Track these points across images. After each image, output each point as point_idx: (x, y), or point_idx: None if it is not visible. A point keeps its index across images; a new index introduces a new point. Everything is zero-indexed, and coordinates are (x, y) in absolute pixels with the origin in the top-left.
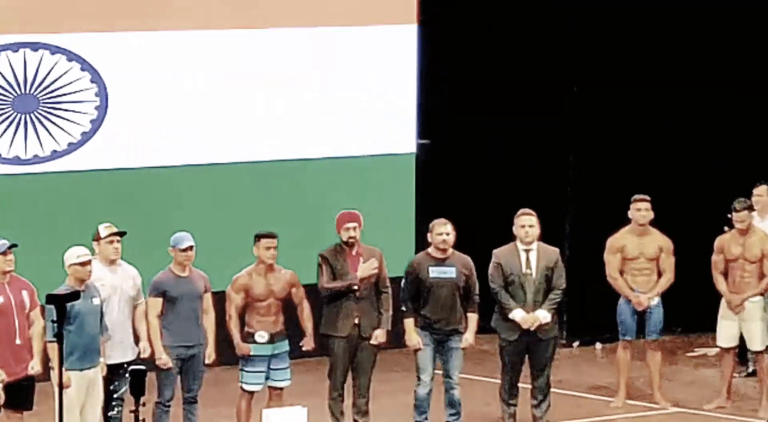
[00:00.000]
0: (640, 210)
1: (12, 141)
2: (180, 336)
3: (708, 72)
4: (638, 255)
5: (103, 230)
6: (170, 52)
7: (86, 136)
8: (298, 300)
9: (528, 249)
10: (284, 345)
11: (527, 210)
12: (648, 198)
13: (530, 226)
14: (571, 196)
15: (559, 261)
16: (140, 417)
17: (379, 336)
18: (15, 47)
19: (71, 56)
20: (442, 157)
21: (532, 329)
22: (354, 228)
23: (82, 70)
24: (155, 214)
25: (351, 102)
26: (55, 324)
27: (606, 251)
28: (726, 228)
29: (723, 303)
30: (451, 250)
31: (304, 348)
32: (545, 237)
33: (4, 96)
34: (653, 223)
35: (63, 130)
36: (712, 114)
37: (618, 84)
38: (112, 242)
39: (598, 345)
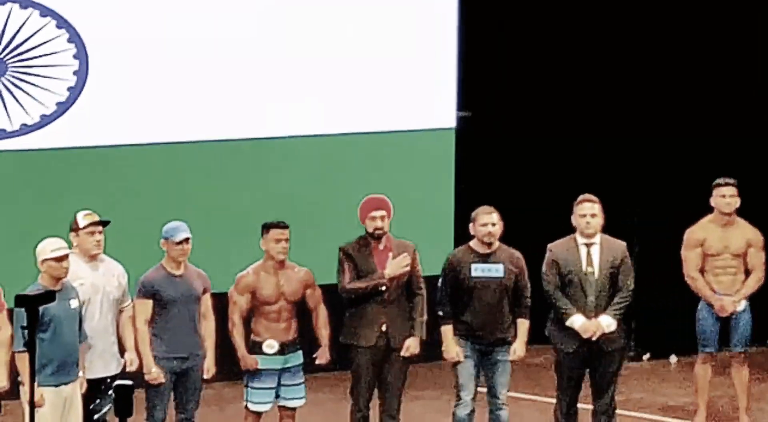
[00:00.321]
0: (725, 196)
1: None
2: (174, 346)
3: None
4: (722, 251)
5: (83, 219)
6: (161, 9)
7: (62, 107)
8: (314, 303)
9: (589, 244)
10: (297, 358)
11: (589, 196)
12: (734, 182)
13: (592, 216)
14: (641, 179)
15: (626, 258)
16: None
17: (410, 346)
18: None
19: (45, 11)
20: (486, 132)
21: (594, 338)
22: (382, 218)
23: (59, 27)
24: (144, 201)
25: (378, 70)
26: (26, 331)
27: (683, 246)
28: None
29: None
30: (497, 244)
31: (317, 362)
32: (610, 229)
33: None
34: (740, 213)
35: (35, 99)
36: None
37: (695, 56)
38: (93, 233)
39: (673, 359)
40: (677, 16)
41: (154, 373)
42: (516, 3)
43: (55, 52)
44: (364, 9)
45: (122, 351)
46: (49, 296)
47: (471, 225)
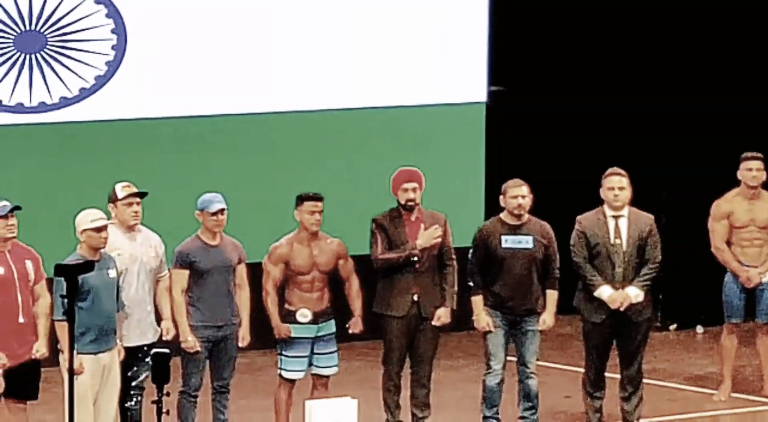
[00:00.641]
0: (751, 170)
1: (14, 86)
2: (209, 315)
3: None
4: (748, 223)
5: (121, 190)
6: None
7: (101, 81)
8: (347, 274)
9: (617, 216)
10: (330, 327)
11: (617, 169)
12: (760, 155)
13: (620, 188)
14: (669, 153)
15: (654, 230)
16: (163, 409)
17: (442, 316)
18: None
19: None
20: (517, 106)
21: (622, 309)
22: (413, 190)
23: (97, 2)
24: (181, 172)
25: (408, 43)
26: (65, 300)
27: (710, 218)
28: None
29: None
30: (527, 216)
31: (351, 331)
32: (638, 201)
33: (6, 33)
34: (766, 186)
35: (74, 73)
36: None
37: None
38: (131, 204)
39: (700, 329)
40: None
41: (190, 342)
42: None
43: (94, 27)
44: None
45: (159, 319)
46: (88, 266)
47: (501, 197)
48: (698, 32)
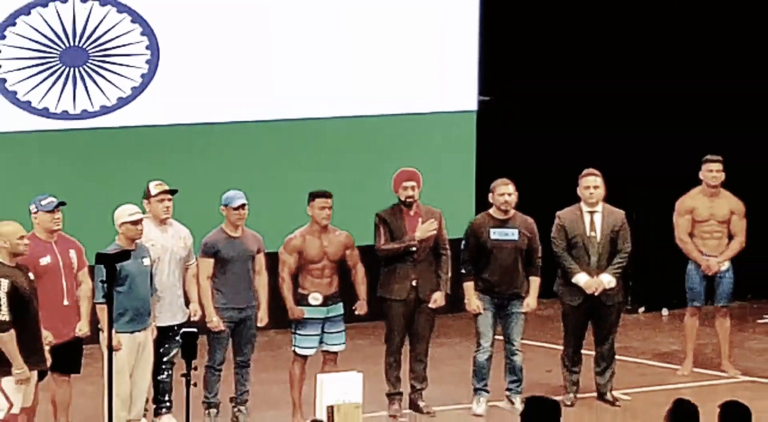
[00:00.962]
0: (712, 171)
1: (60, 95)
2: (232, 299)
3: None
4: (709, 218)
5: (154, 188)
6: (223, 5)
7: (136, 91)
8: (353, 262)
9: (593, 211)
10: (338, 309)
11: (592, 170)
12: (720, 158)
13: (595, 187)
14: (639, 156)
15: (625, 224)
16: (191, 381)
17: (437, 299)
18: None
19: (121, 8)
20: (504, 114)
21: (596, 294)
22: (412, 188)
23: (133, 22)
24: (207, 172)
25: (409, 57)
26: (105, 285)
27: (675, 213)
28: None
29: None
30: (513, 211)
31: (356, 313)
32: (611, 198)
33: (52, 49)
34: (725, 185)
35: (112, 84)
36: None
37: (686, 40)
38: (162, 200)
39: (665, 312)
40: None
41: (215, 322)
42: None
43: (130, 44)
44: (394, 5)
45: (187, 302)
46: (125, 255)
47: (490, 194)
48: (674, 46)
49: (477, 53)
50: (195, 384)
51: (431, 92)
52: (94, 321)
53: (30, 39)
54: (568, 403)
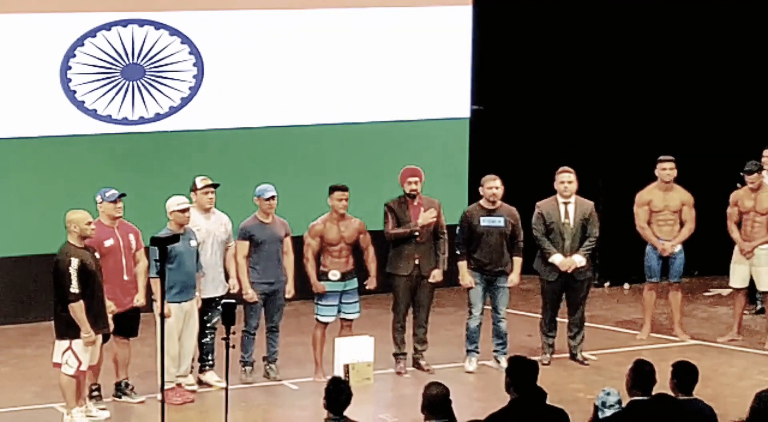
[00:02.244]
0: (665, 169)
1: (121, 104)
2: (264, 275)
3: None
4: (663, 208)
5: (200, 182)
6: (258, 27)
7: (185, 101)
8: (365, 244)
9: (567, 202)
10: (354, 283)
11: (567, 167)
12: (672, 158)
13: (569, 182)
14: (606, 155)
15: (593, 213)
16: (230, 344)
17: (436, 275)
18: (124, 23)
19: (173, 31)
20: (494, 121)
21: (569, 271)
22: (416, 182)
23: (182, 43)
24: (244, 169)
25: (411, 71)
26: (158, 263)
27: (635, 204)
28: (738, 184)
29: (736, 249)
30: (499, 202)
31: (368, 287)
32: (582, 191)
33: (115, 65)
34: (676, 181)
35: (165, 95)
36: (729, 80)
37: (648, 49)
38: (207, 192)
39: (627, 286)
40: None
41: (250, 294)
42: (524, 16)
43: (180, 61)
44: (395, 23)
45: (227, 278)
46: (175, 238)
47: (480, 188)
48: (661, 60)
49: (470, 66)
50: (233, 346)
51: (429, 102)
52: (149, 293)
53: (96, 57)
54: (546, 362)
